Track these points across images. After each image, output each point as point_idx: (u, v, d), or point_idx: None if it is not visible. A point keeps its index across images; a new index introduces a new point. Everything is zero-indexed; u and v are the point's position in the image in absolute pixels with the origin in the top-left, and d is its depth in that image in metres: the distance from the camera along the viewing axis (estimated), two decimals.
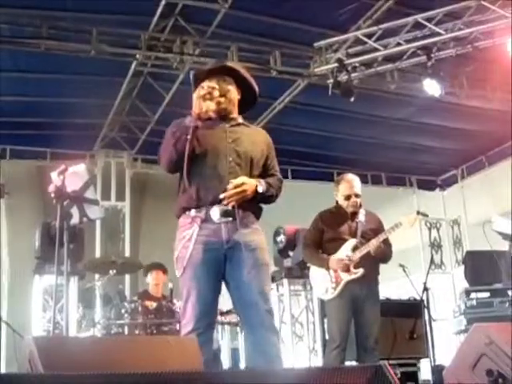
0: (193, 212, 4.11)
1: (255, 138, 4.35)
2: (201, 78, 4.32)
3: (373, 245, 6.27)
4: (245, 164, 4.20)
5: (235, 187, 4.05)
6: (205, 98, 4.11)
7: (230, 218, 4.06)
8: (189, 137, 4.04)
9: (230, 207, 4.05)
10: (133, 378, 2.60)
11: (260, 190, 4.16)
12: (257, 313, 4.03)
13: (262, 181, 4.21)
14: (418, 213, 6.65)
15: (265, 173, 4.32)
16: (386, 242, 6.44)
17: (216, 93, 4.16)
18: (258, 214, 4.29)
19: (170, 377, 2.67)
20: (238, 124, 4.35)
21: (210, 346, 4.12)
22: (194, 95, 4.17)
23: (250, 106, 4.50)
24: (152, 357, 3.87)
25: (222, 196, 4.04)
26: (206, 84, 4.18)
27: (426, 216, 6.91)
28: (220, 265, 4.09)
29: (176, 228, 12.34)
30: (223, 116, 4.29)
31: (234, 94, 4.34)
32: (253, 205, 4.20)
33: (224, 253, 4.07)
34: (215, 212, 4.05)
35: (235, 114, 4.38)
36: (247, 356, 4.19)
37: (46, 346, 3.56)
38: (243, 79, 4.40)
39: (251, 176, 4.19)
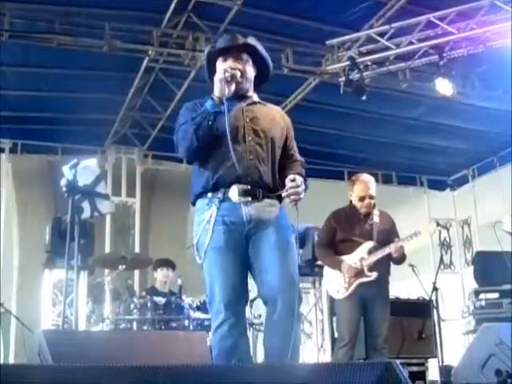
0: (209, 194, 3.89)
1: (273, 117, 4.15)
2: (216, 55, 4.13)
3: (390, 249, 6.26)
4: (265, 143, 3.99)
5: (297, 186, 3.84)
6: (227, 81, 3.90)
7: (250, 198, 3.84)
8: (210, 123, 3.85)
9: (249, 186, 3.84)
10: (139, 371, 2.60)
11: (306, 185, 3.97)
12: (282, 298, 3.73)
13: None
14: (438, 225, 6.65)
15: (285, 154, 4.13)
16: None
17: (238, 74, 3.96)
18: (278, 192, 3.98)
19: (177, 370, 2.67)
20: (254, 102, 4.15)
21: (246, 338, 3.85)
22: (216, 77, 3.97)
23: (263, 81, 4.29)
24: (160, 351, 3.88)
25: (284, 194, 3.83)
26: (227, 66, 3.97)
27: (445, 228, 6.93)
28: (243, 247, 3.84)
29: (185, 224, 12.24)
30: (240, 95, 4.08)
31: (251, 72, 4.14)
32: (273, 178, 3.99)
33: (246, 234, 3.83)
34: (234, 191, 3.83)
35: (251, 92, 4.19)
36: (266, 342, 3.81)
37: (56, 339, 3.58)
38: (259, 55, 4.17)
39: (272, 156, 4.02)
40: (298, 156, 4.21)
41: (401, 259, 6.50)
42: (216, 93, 3.93)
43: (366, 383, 2.50)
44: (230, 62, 4.01)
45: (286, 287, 3.75)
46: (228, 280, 3.77)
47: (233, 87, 3.92)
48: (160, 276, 8.79)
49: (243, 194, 3.83)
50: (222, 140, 3.86)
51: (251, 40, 4.15)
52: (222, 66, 4.00)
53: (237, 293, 3.79)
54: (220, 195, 3.86)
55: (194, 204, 4.03)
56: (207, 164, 3.94)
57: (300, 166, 4.12)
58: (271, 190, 3.95)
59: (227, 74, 3.91)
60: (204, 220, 3.86)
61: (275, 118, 4.17)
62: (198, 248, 3.91)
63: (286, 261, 3.83)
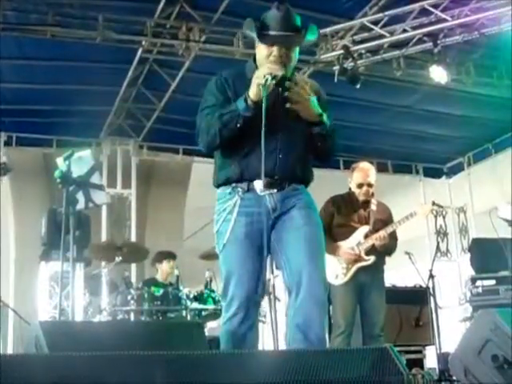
0: (233, 184, 3.76)
1: None
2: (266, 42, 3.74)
3: (381, 235, 6.28)
4: (298, 134, 3.78)
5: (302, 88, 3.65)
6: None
7: (275, 190, 3.70)
8: (239, 125, 3.63)
9: (276, 178, 3.67)
10: (137, 360, 2.60)
11: (324, 119, 3.77)
12: (305, 280, 3.61)
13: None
14: (434, 203, 6.67)
15: None
16: (393, 236, 6.46)
17: (280, 73, 3.61)
18: (306, 181, 3.91)
19: (174, 360, 2.67)
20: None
21: (255, 334, 3.78)
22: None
23: None
24: (157, 341, 3.88)
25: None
26: (272, 57, 3.67)
27: (441, 207, 6.93)
28: (265, 239, 3.71)
29: (182, 215, 12.22)
30: None
31: (296, 56, 3.86)
32: (303, 171, 3.85)
33: (272, 223, 3.72)
34: (259, 184, 3.62)
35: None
36: (288, 333, 3.69)
37: (53, 330, 3.57)
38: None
39: (304, 144, 3.81)
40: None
41: (388, 251, 6.52)
42: (251, 94, 3.61)
43: (363, 368, 2.51)
44: (276, 50, 3.72)
45: (308, 271, 3.64)
46: (245, 274, 3.69)
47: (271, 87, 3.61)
48: (166, 267, 8.80)
49: (269, 186, 3.66)
50: (250, 136, 3.64)
51: (312, 34, 3.87)
52: (266, 53, 3.73)
53: (252, 287, 3.70)
54: (244, 186, 3.74)
55: (217, 187, 3.91)
56: (233, 156, 3.79)
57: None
58: (299, 178, 3.85)
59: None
60: (226, 210, 3.76)
61: None
62: (218, 237, 3.80)
63: (310, 240, 3.73)
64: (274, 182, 3.70)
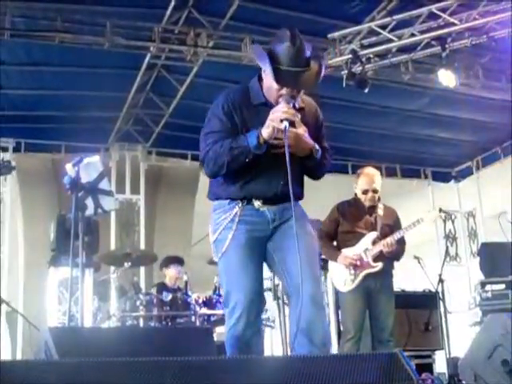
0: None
1: (308, 127, 3.80)
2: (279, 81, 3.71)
3: (388, 242, 6.25)
4: (298, 161, 3.77)
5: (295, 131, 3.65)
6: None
7: (274, 207, 3.77)
8: (248, 160, 3.67)
9: (275, 197, 3.75)
10: (146, 366, 2.60)
11: (314, 153, 3.78)
12: (305, 286, 3.58)
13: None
14: (441, 210, 6.64)
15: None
16: (401, 241, 6.43)
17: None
18: (300, 198, 3.95)
19: (183, 365, 2.67)
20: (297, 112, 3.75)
21: (260, 340, 3.84)
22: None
23: None
24: (166, 347, 3.88)
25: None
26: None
27: (448, 214, 6.91)
28: (264, 247, 3.82)
29: (190, 220, 12.15)
30: None
31: None
32: (300, 191, 3.92)
33: (271, 233, 3.79)
34: (259, 202, 3.78)
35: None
36: (292, 338, 3.66)
37: (62, 336, 3.58)
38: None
39: (302, 165, 3.85)
40: (326, 145, 4.02)
41: (396, 256, 6.50)
42: (265, 134, 3.61)
43: (372, 374, 2.50)
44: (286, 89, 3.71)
45: (308, 277, 3.63)
46: (247, 280, 3.73)
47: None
48: (174, 272, 8.78)
49: (268, 203, 3.79)
50: (255, 165, 3.72)
51: (323, 69, 3.94)
52: (277, 87, 3.70)
53: (254, 292, 3.73)
54: (244, 200, 3.81)
55: (212, 200, 3.96)
56: (235, 181, 3.82)
57: (327, 152, 3.98)
58: (296, 197, 3.81)
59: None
60: (226, 218, 3.80)
61: (310, 125, 3.85)
62: (217, 245, 3.84)
63: (306, 248, 3.73)
64: (273, 200, 3.80)
